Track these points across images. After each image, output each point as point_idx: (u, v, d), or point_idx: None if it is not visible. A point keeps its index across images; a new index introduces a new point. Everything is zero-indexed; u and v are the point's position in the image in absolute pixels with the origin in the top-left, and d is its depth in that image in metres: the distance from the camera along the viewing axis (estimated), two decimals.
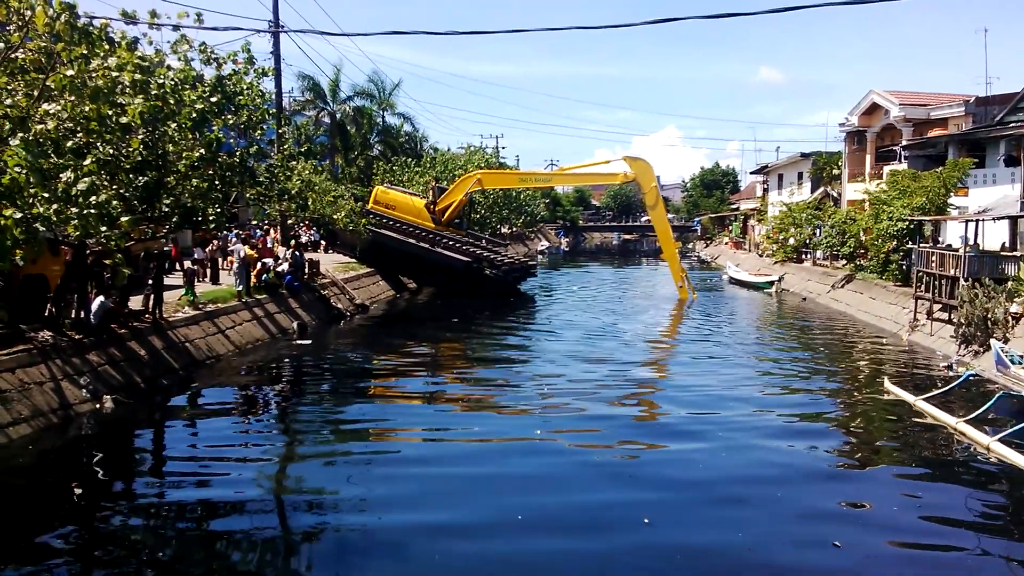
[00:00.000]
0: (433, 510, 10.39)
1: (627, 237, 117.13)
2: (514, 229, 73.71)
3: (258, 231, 31.40)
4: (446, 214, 37.23)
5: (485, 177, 41.38)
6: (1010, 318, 19.98)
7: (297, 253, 28.50)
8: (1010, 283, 21.43)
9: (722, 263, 58.10)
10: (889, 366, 20.58)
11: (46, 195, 11.43)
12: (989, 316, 20.17)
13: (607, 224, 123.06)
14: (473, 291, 34.20)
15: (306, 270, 29.11)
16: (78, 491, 10.91)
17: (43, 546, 9.07)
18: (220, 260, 28.38)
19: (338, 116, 57.13)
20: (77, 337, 15.62)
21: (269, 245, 28.24)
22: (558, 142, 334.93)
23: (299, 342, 22.95)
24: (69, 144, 12.45)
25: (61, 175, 11.78)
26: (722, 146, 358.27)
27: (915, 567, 9.10)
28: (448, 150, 69.25)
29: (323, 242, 41.19)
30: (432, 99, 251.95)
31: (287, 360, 20.85)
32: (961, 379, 16.95)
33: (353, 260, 36.64)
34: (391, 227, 35.45)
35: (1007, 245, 26.75)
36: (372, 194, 38.85)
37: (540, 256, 75.96)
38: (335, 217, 26.42)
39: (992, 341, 18.69)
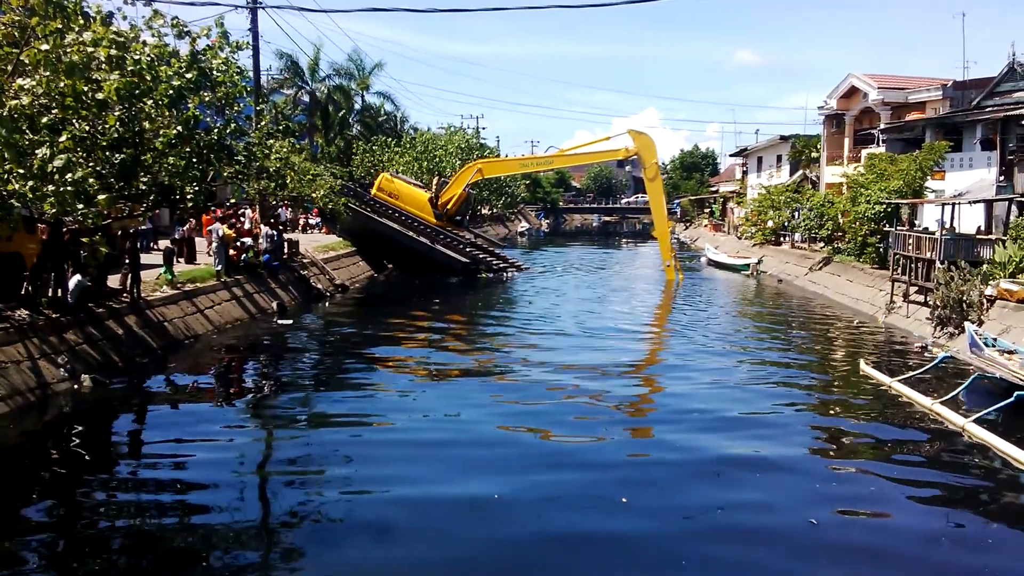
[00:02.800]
0: (415, 487, 10.41)
1: (607, 219, 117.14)
2: (495, 210, 73.66)
3: (245, 211, 31.07)
4: (447, 207, 36.99)
5: (486, 166, 41.01)
6: (985, 301, 20.24)
7: (276, 233, 28.30)
8: (985, 266, 21.70)
9: (701, 245, 58.36)
10: (865, 348, 20.81)
11: (21, 172, 11.28)
12: (964, 299, 20.43)
13: (587, 206, 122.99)
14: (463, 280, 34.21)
15: (285, 250, 28.94)
16: (56, 470, 10.84)
17: (21, 523, 9.03)
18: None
19: (317, 95, 56.62)
20: (54, 316, 15.45)
21: (247, 226, 27.93)
22: (539, 122, 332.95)
23: (279, 322, 22.84)
24: (44, 120, 12.30)
25: (36, 151, 11.62)
26: (702, 128, 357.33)
27: (890, 543, 9.23)
28: (429, 130, 68.90)
29: (323, 226, 41.07)
30: (412, 78, 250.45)
31: (266, 340, 20.77)
32: (936, 361, 17.17)
33: (342, 241, 36.46)
34: (393, 217, 35.34)
35: (982, 228, 27.05)
36: (377, 181, 38.55)
37: (520, 237, 75.91)
38: (314, 196, 26.25)
39: (967, 324, 18.93)
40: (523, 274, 37.72)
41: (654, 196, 38.24)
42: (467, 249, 36.46)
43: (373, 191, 37.24)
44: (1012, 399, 13.32)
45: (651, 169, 37.29)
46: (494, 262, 37.00)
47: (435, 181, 39.35)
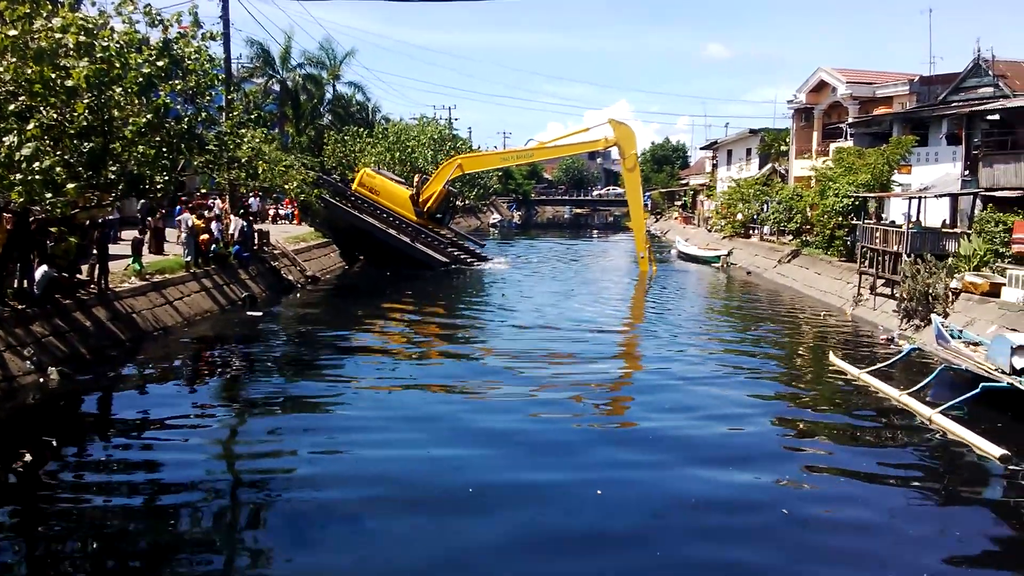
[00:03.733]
0: (384, 484, 10.35)
1: (579, 211, 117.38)
2: (467, 202, 73.37)
3: (216, 201, 30.71)
4: (427, 205, 36.77)
5: (466, 161, 40.64)
6: (950, 293, 20.61)
7: (246, 224, 28.00)
8: (950, 260, 22.08)
9: (672, 238, 58.72)
10: (833, 340, 21.09)
11: None
12: (930, 291, 20.79)
13: (559, 198, 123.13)
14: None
15: (256, 241, 28.66)
16: (22, 465, 10.67)
17: None
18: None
19: (288, 84, 56.02)
20: (20, 307, 15.18)
21: (216, 212, 27.60)
22: (512, 114, 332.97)
23: (249, 313, 22.65)
24: (12, 108, 12.05)
25: (4, 139, 11.40)
26: (672, 121, 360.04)
27: (857, 533, 9.39)
28: (401, 121, 68.48)
29: (296, 217, 40.68)
30: (384, 68, 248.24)
31: (236, 331, 20.58)
32: (904, 353, 17.46)
33: (313, 232, 36.11)
34: (374, 214, 35.09)
35: (947, 222, 27.50)
36: (357, 176, 38.13)
37: (493, 229, 75.83)
38: (286, 187, 26.02)
39: (933, 316, 19.27)
40: (495, 266, 37.67)
41: (631, 186, 38.31)
42: (447, 248, 36.37)
43: (354, 186, 36.92)
44: (978, 390, 13.58)
45: (630, 159, 37.32)
46: (475, 263, 37.06)
47: (417, 178, 38.98)
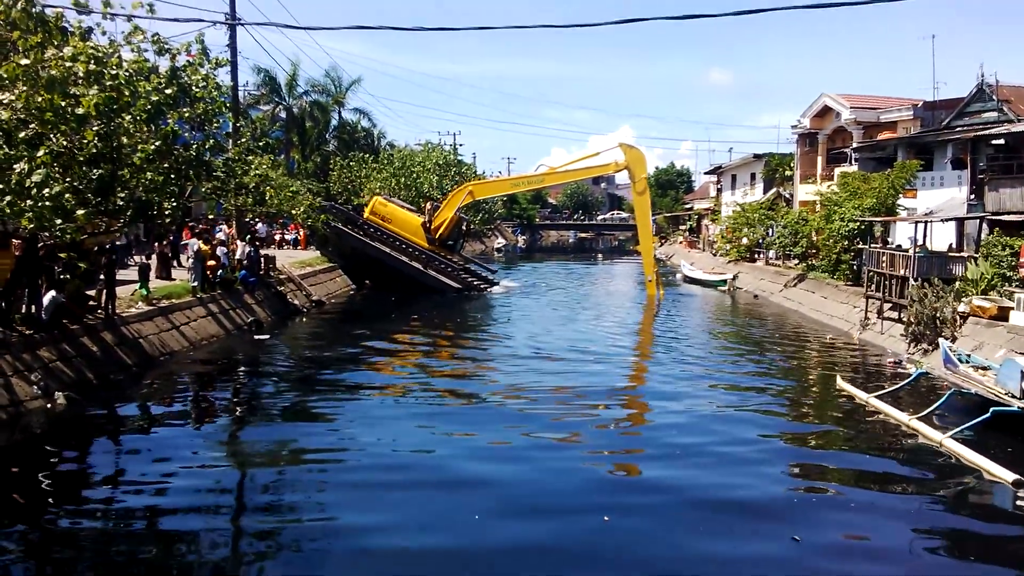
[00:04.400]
0: (391, 511, 10.27)
1: (583, 235, 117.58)
2: (472, 227, 73.54)
3: (221, 227, 30.88)
4: (439, 232, 36.97)
5: (477, 188, 40.67)
6: (958, 317, 20.53)
7: (253, 249, 28.10)
8: (957, 283, 22.02)
9: (676, 262, 58.77)
10: (841, 364, 21.00)
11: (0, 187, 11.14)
12: (937, 315, 20.71)
13: (564, 222, 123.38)
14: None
15: (262, 266, 28.74)
16: (29, 489, 10.63)
17: None
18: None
19: (295, 111, 56.44)
20: (28, 332, 15.22)
21: (222, 237, 27.70)
22: (515, 140, 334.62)
23: (255, 338, 22.66)
24: (22, 135, 12.15)
25: (14, 166, 11.49)
26: (676, 146, 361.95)
27: (870, 560, 9.30)
28: (406, 147, 68.88)
29: (301, 243, 41.16)
30: (389, 95, 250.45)
31: (242, 356, 20.58)
32: (912, 377, 17.36)
33: (319, 257, 36.42)
34: (386, 241, 35.37)
35: (954, 246, 27.46)
36: (370, 204, 38.41)
37: (497, 254, 75.91)
38: (293, 213, 26.15)
39: (940, 340, 19.18)
40: (502, 290, 37.75)
41: (641, 210, 38.18)
42: (459, 274, 36.55)
43: (366, 214, 37.22)
44: (988, 415, 13.49)
45: (640, 183, 37.27)
46: (480, 284, 37.25)
47: (428, 206, 39.25)
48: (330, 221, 33.56)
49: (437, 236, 36.84)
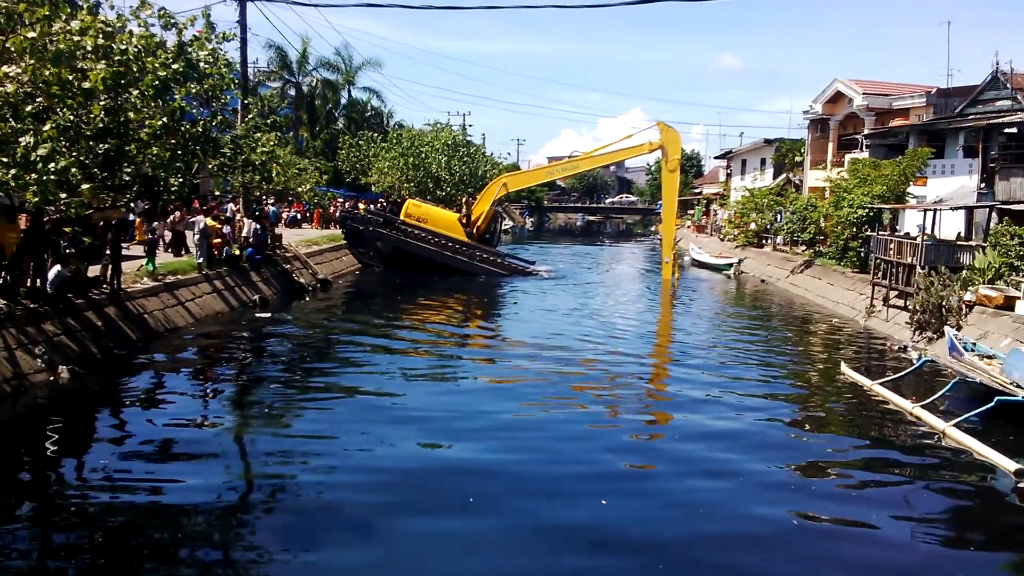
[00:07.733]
0: (395, 490, 10.33)
1: (591, 218, 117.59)
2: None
3: (228, 204, 30.92)
4: (477, 224, 37.18)
5: (511, 180, 40.42)
6: (964, 306, 20.45)
7: (260, 227, 28.11)
8: (964, 272, 21.92)
9: (684, 245, 58.63)
10: (846, 350, 20.96)
11: (4, 160, 11.13)
12: (944, 304, 20.63)
13: (572, 205, 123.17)
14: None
15: (268, 243, 28.76)
16: (32, 462, 10.71)
17: None
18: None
19: (304, 88, 56.32)
20: (33, 306, 15.28)
21: (228, 215, 27.72)
22: (525, 120, 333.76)
23: (260, 315, 22.71)
24: (28, 108, 12.13)
25: (20, 140, 11.48)
26: (687, 129, 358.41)
27: (869, 546, 9.31)
28: (415, 127, 68.70)
29: (299, 222, 41.50)
30: (399, 73, 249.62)
31: (247, 333, 20.58)
32: (917, 365, 17.32)
33: (326, 235, 36.86)
34: (425, 239, 36.02)
35: (963, 235, 27.31)
36: (403, 208, 38.76)
37: (505, 235, 75.73)
38: (299, 190, 26.11)
39: (946, 328, 19.11)
40: (547, 275, 38.25)
41: (669, 187, 37.73)
42: (504, 263, 37.41)
43: (402, 215, 37.69)
44: (993, 404, 13.45)
45: (673, 163, 36.90)
46: (525, 266, 38.48)
47: (465, 200, 39.76)
48: (369, 226, 35.15)
49: (475, 229, 37.14)
